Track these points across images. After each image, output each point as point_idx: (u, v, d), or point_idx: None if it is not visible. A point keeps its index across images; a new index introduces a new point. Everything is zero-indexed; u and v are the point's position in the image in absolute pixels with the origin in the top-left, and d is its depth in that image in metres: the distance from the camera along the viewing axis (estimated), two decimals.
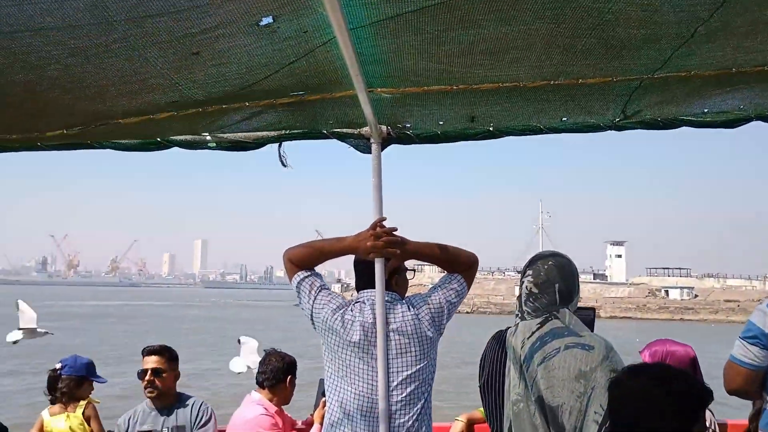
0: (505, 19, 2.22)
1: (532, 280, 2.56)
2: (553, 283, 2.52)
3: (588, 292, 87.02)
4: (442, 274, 2.85)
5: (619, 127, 3.14)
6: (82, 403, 4.38)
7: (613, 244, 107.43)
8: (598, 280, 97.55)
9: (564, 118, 3.09)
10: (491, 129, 3.09)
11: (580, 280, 2.67)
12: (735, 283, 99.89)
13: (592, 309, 2.78)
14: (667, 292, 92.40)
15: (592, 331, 2.67)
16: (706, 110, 3.11)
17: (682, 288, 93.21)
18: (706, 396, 1.79)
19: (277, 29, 1.87)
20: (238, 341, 5.58)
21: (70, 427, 4.26)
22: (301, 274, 2.76)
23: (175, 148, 3.05)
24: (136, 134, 3.02)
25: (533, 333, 2.46)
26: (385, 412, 2.56)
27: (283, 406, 3.78)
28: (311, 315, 2.72)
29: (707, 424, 3.04)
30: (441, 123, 3.06)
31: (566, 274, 2.55)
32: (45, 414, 4.34)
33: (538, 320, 2.49)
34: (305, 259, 2.77)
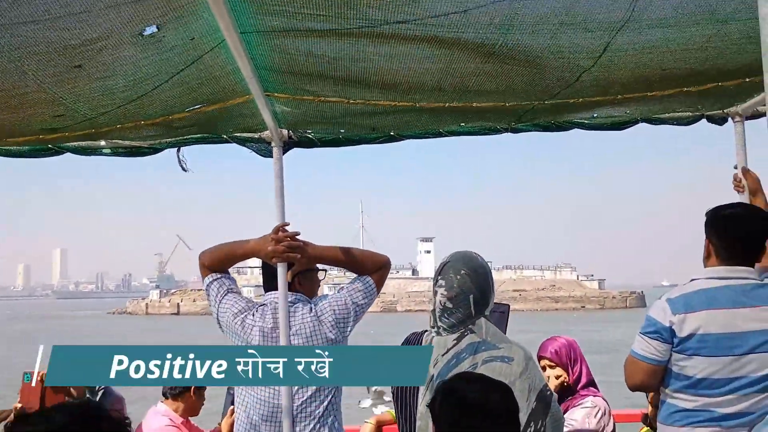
0: (395, 56, 2.27)
1: (445, 293, 2.39)
2: (468, 294, 2.37)
3: (393, 287, 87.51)
4: None
5: (514, 130, 3.28)
6: None
7: (423, 241, 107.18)
8: (410, 276, 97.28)
9: (462, 124, 3.21)
10: (392, 134, 3.16)
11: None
12: (529, 273, 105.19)
13: (507, 305, 2.79)
14: None
15: (506, 324, 2.69)
16: (595, 114, 3.30)
17: None
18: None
19: (162, 38, 1.83)
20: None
21: None
22: (211, 276, 2.76)
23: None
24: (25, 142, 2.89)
25: (449, 350, 2.35)
26: (289, 418, 2.55)
27: (191, 418, 3.69)
28: (217, 318, 2.72)
29: (601, 411, 3.11)
30: (342, 131, 3.10)
31: (480, 281, 2.40)
32: None
33: (454, 336, 2.36)
34: (214, 262, 2.77)
